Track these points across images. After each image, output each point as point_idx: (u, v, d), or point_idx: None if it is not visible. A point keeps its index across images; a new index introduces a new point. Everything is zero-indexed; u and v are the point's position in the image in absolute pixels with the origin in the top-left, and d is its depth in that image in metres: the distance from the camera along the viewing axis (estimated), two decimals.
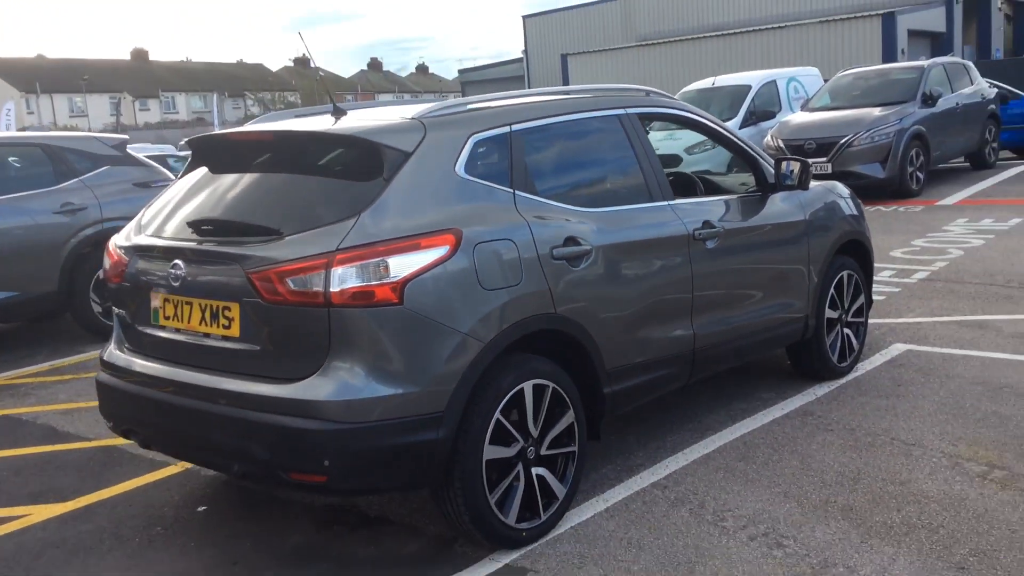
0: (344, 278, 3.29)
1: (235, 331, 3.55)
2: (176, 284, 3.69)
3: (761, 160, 5.21)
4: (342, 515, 4.22)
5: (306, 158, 3.85)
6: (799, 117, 14.07)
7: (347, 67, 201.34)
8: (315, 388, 3.32)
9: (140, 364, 3.93)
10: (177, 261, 3.69)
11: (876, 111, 13.22)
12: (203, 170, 4.12)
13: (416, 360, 3.36)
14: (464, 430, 3.47)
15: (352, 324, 3.30)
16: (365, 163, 3.60)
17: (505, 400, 3.59)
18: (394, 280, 3.31)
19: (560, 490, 3.85)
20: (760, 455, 4.52)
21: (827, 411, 5.12)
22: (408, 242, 3.39)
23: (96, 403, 4.26)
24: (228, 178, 3.96)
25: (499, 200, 3.76)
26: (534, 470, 3.75)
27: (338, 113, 4.10)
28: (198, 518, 4.32)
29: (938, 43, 33.72)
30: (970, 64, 15.94)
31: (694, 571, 3.46)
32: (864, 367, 5.85)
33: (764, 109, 15.20)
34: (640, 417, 5.09)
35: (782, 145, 13.12)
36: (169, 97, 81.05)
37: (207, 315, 3.63)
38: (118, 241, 4.14)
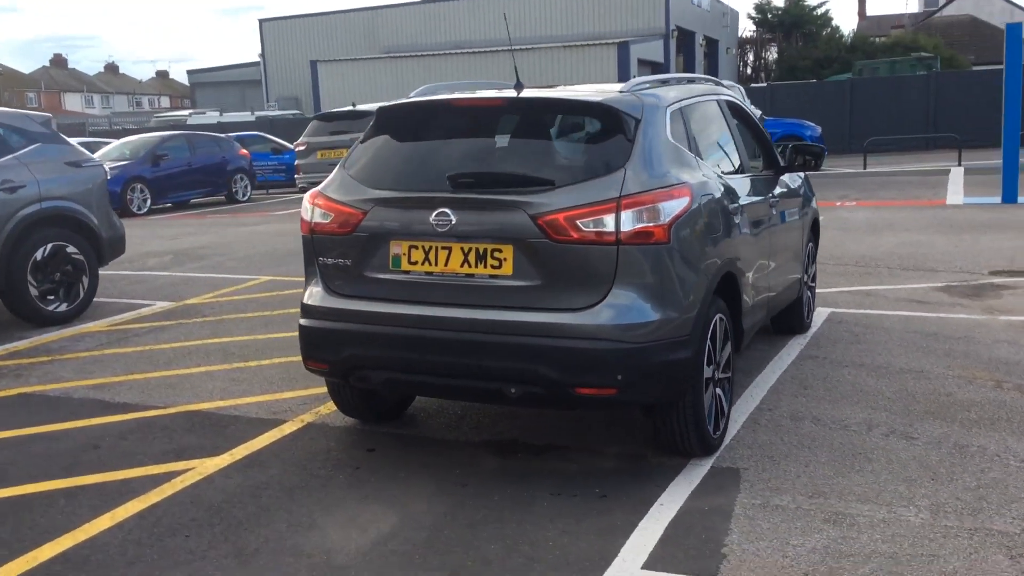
0: (630, 220, 3.91)
1: (507, 270, 4.03)
2: (443, 230, 4.08)
3: (773, 146, 6.31)
4: (509, 448, 4.72)
5: (549, 121, 4.40)
6: None
7: (21, 63, 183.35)
8: (604, 315, 3.91)
9: (375, 306, 4.26)
10: (444, 210, 4.09)
11: None
12: (401, 132, 4.57)
13: (675, 291, 4.04)
14: (698, 351, 4.20)
15: (634, 259, 3.93)
16: (610, 127, 4.23)
17: (711, 328, 4.35)
18: (664, 223, 3.97)
19: (727, 407, 4.66)
20: (816, 384, 5.57)
21: (828, 353, 6.28)
22: (668, 191, 4.06)
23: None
24: (456, 140, 4.46)
25: (690, 162, 4.51)
26: (715, 389, 4.53)
27: (520, 88, 4.65)
28: (377, 457, 4.64)
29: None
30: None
31: (870, 459, 4.40)
32: (814, 325, 7.13)
33: None
34: None
35: None
36: None
37: (471, 257, 4.08)
38: (339, 196, 4.41)
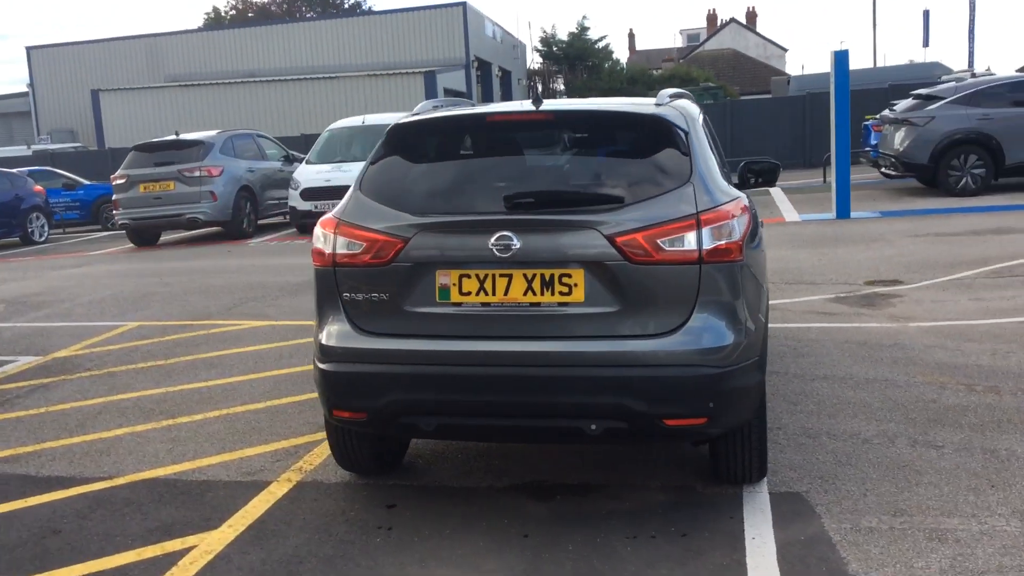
0: (710, 237, 3.70)
1: (578, 296, 3.70)
2: (504, 256, 3.70)
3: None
4: (545, 491, 4.38)
5: (598, 135, 4.11)
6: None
7: None
8: (689, 339, 3.66)
9: (421, 344, 3.80)
10: (505, 233, 3.70)
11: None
12: (428, 151, 4.19)
13: (750, 310, 3.85)
14: (765, 371, 4.03)
15: (715, 279, 3.71)
16: (662, 139, 4.00)
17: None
18: (737, 239, 3.78)
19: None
20: (800, 399, 5.56)
21: (784, 368, 6.31)
22: (735, 206, 3.88)
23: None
24: (499, 157, 4.12)
25: (728, 176, 4.37)
26: None
27: (540, 104, 4.34)
28: (404, 514, 4.15)
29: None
30: None
31: (918, 471, 4.38)
32: None
33: None
34: None
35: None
36: None
37: (535, 284, 3.72)
38: (370, 223, 3.92)
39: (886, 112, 17.16)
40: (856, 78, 19.67)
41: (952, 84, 16.61)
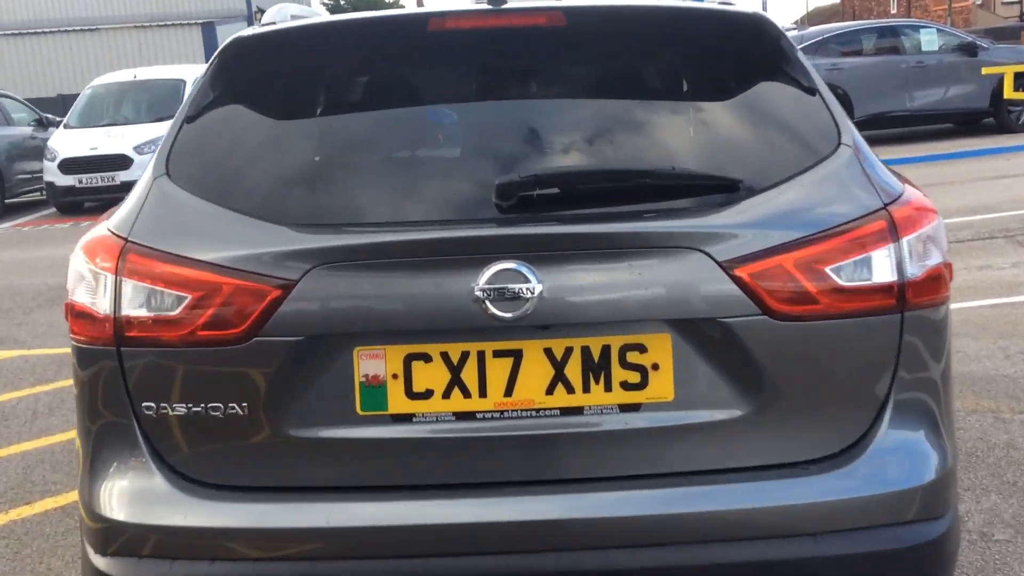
0: (914, 255, 1.87)
1: (661, 389, 1.78)
2: (509, 314, 1.71)
3: None
4: None
5: (660, 59, 2.17)
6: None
7: None
8: (882, 471, 1.86)
9: (330, 513, 1.78)
10: (509, 266, 1.71)
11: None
12: (336, 90, 2.13)
13: (949, 400, 2.06)
14: None
15: (921, 342, 1.90)
16: (780, 64, 2.14)
17: None
18: (945, 258, 1.97)
19: None
20: None
21: None
22: (919, 194, 2.05)
23: None
24: (467, 107, 2.14)
25: None
26: None
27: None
28: None
29: None
30: None
31: None
32: None
33: None
34: None
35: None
36: None
37: (571, 369, 1.78)
38: (208, 251, 1.83)
39: None
40: None
41: (796, 33, 15.67)
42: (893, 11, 47.33)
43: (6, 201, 14.72)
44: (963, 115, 14.68)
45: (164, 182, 1.98)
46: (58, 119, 15.80)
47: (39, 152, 14.62)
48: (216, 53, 2.19)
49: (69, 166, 13.33)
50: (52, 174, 13.64)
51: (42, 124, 15.99)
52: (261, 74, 2.17)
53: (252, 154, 2.02)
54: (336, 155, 2.02)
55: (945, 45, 14.48)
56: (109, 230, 1.94)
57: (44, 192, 14.80)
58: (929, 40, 14.43)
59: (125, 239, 1.88)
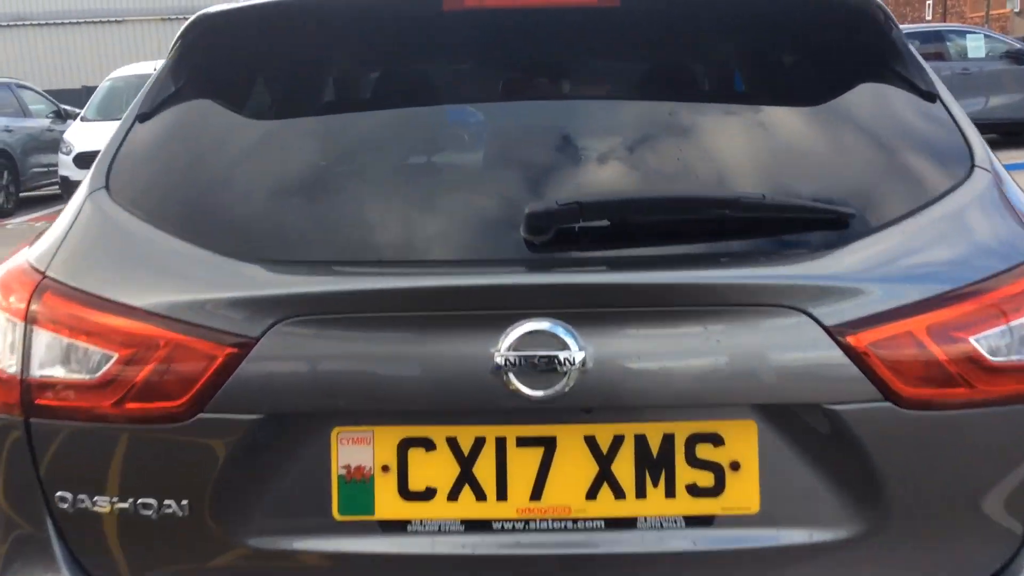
0: None
1: (744, 497, 1.34)
2: (541, 393, 1.27)
3: None
4: None
5: (745, 52, 1.74)
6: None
7: None
8: None
9: None
10: (542, 327, 1.27)
11: None
12: (315, 84, 1.73)
13: None
14: None
15: None
16: (892, 59, 1.74)
17: None
18: None
19: None
20: None
21: None
22: None
23: None
24: (484, 109, 1.69)
25: None
26: None
27: None
28: None
29: None
30: None
31: None
32: None
33: None
34: None
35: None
36: None
37: (622, 468, 1.33)
38: (148, 295, 1.41)
39: None
40: None
41: None
42: (928, 17, 46.39)
43: (21, 195, 14.45)
44: (1008, 125, 14.10)
45: (101, 198, 1.56)
46: (77, 111, 15.54)
47: (56, 145, 14.34)
48: (178, 35, 1.77)
49: (84, 160, 13.00)
50: (67, 168, 13.34)
51: (60, 116, 15.72)
52: (232, 63, 1.74)
53: (215, 165, 1.60)
54: (320, 169, 1.59)
55: (992, 52, 13.92)
56: (28, 261, 1.52)
57: (60, 186, 14.53)
58: (976, 46, 13.86)
59: (43, 274, 1.45)
